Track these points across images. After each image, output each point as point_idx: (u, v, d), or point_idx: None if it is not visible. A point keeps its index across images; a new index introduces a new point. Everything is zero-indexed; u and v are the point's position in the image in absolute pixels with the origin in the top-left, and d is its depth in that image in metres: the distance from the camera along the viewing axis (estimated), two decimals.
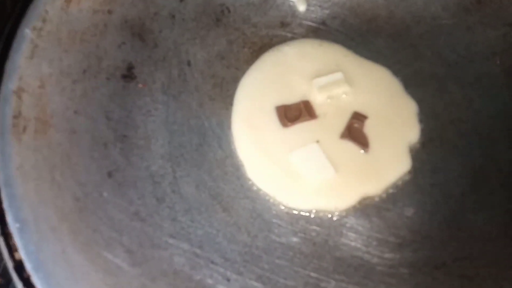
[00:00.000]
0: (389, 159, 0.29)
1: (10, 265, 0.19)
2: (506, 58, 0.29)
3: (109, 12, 0.29)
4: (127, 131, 0.28)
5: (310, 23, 0.33)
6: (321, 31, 0.33)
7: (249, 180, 0.29)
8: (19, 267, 0.18)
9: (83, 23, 0.27)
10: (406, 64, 0.31)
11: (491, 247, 0.25)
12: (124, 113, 0.28)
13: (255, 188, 0.28)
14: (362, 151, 0.29)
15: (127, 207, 0.24)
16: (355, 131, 0.29)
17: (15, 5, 0.26)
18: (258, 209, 0.28)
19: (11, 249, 0.19)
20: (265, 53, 0.32)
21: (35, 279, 0.19)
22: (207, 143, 0.30)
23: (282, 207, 0.28)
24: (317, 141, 0.29)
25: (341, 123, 0.30)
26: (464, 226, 0.26)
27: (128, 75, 0.29)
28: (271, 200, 0.28)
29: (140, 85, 0.29)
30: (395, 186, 0.28)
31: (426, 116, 0.30)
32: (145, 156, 0.27)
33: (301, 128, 0.30)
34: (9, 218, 0.20)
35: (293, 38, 0.33)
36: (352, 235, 0.27)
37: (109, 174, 0.25)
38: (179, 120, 0.30)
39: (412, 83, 0.31)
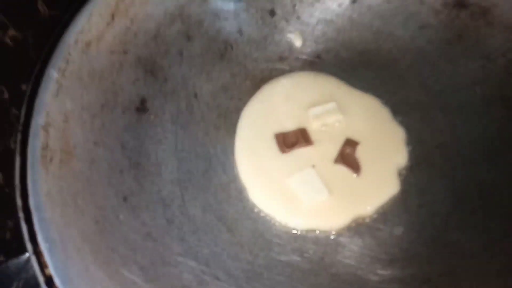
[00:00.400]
0: (379, 182, 0.31)
1: (41, 279, 0.21)
2: (485, 87, 0.32)
3: (124, 52, 0.32)
4: (140, 159, 0.30)
5: (306, 57, 0.36)
6: (316, 64, 0.36)
7: (251, 202, 0.31)
8: (49, 281, 0.21)
9: (101, 63, 0.30)
10: (394, 93, 0.34)
11: (473, 263, 0.27)
12: (138, 142, 0.31)
13: (256, 210, 0.31)
14: (354, 174, 0.31)
15: (140, 228, 0.27)
16: (347, 156, 0.32)
17: (39, 43, 0.29)
18: (260, 229, 0.30)
19: (42, 266, 0.21)
20: (265, 85, 0.35)
21: None
22: (213, 168, 0.32)
23: (282, 227, 0.30)
24: (313, 166, 0.32)
25: (335, 149, 0.32)
26: (448, 243, 0.28)
27: (141, 108, 0.32)
28: (272, 221, 0.31)
29: (152, 117, 0.32)
30: (385, 207, 0.30)
31: (413, 142, 0.32)
32: (156, 182, 0.30)
33: (298, 154, 0.32)
34: (40, 238, 0.22)
35: (291, 71, 0.36)
36: (346, 253, 0.29)
37: (125, 199, 0.28)
38: (187, 147, 0.32)
39: (400, 111, 0.33)
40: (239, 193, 0.31)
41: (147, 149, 0.31)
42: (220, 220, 0.30)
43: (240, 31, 0.36)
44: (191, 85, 0.34)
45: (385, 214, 0.30)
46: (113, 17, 0.32)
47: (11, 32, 0.40)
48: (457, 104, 0.32)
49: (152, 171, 0.30)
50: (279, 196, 0.31)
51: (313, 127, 0.33)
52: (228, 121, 0.34)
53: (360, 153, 0.32)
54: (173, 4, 0.34)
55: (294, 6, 0.36)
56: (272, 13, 0.36)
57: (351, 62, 0.35)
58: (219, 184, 0.32)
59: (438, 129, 0.32)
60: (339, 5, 0.36)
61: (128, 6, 0.32)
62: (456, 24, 0.33)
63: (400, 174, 0.31)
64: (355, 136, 0.32)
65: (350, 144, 0.32)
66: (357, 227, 0.30)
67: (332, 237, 0.30)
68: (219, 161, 0.33)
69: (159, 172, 0.31)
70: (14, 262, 0.29)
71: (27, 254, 0.27)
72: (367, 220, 0.30)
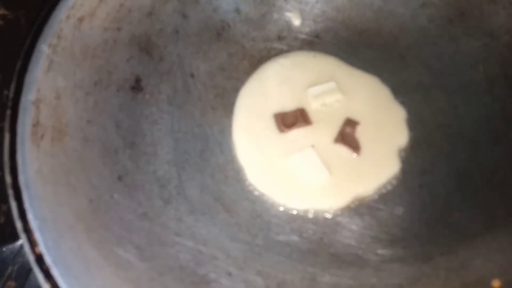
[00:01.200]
0: (380, 162, 0.31)
1: (31, 258, 0.20)
2: (488, 66, 0.31)
3: (118, 29, 0.31)
4: (136, 139, 0.30)
5: (305, 37, 0.36)
6: (315, 43, 0.35)
7: (249, 183, 0.31)
8: (40, 260, 0.20)
9: (94, 40, 0.29)
10: (395, 73, 0.33)
11: (475, 242, 0.26)
12: (133, 122, 0.30)
13: (254, 190, 0.30)
14: (354, 154, 0.31)
15: (136, 208, 0.26)
16: (347, 136, 0.31)
17: (30, 22, 0.28)
18: (258, 210, 0.30)
19: (32, 244, 0.20)
20: (263, 64, 0.34)
21: (54, 271, 0.20)
22: (210, 149, 0.32)
23: (281, 208, 0.30)
24: (313, 146, 0.31)
25: (335, 129, 0.32)
26: (450, 223, 0.28)
27: (136, 87, 0.32)
28: (270, 201, 0.30)
29: (147, 96, 0.32)
30: (385, 187, 0.30)
31: (414, 122, 0.31)
32: (152, 162, 0.29)
33: (298, 134, 0.32)
34: (30, 216, 0.22)
35: (289, 50, 0.35)
36: (346, 233, 0.29)
37: (119, 178, 0.27)
38: (184, 128, 0.32)
39: (401, 91, 0.32)
40: (237, 174, 0.31)
41: (143, 128, 0.30)
42: (218, 201, 0.29)
43: (237, 10, 0.35)
44: (188, 65, 0.34)
45: (385, 194, 0.30)
46: None
47: (2, 11, 0.38)
48: (459, 83, 0.32)
49: (148, 151, 0.30)
50: (278, 176, 0.31)
51: (313, 107, 0.32)
52: (225, 101, 0.33)
53: (360, 133, 0.31)
54: None
55: None
56: None
57: (351, 41, 0.35)
58: (216, 165, 0.31)
59: (440, 109, 0.32)
60: None
61: None
62: (458, 1, 0.32)
63: (400, 154, 0.31)
64: (355, 116, 0.32)
65: (350, 123, 0.31)
66: (357, 207, 0.29)
67: (331, 217, 0.29)
68: (217, 141, 0.32)
69: (155, 152, 0.30)
70: (9, 247, 0.28)
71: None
72: (367, 200, 0.30)
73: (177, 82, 0.33)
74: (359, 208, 0.29)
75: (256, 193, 0.30)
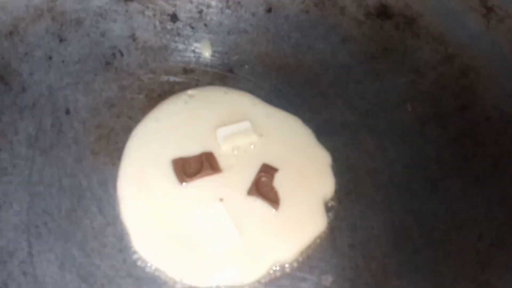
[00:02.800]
0: (303, 218, 0.25)
1: None
2: (417, 105, 0.28)
3: None
4: None
5: (216, 70, 0.31)
6: (228, 78, 0.30)
7: (135, 252, 0.23)
8: None
9: None
10: (317, 113, 0.29)
11: None
12: None
13: (141, 263, 0.23)
14: (272, 209, 0.25)
15: None
16: (263, 186, 0.25)
17: None
18: None
19: None
20: (163, 101, 0.28)
21: None
22: (83, 207, 0.24)
23: (177, 286, 0.22)
24: (221, 200, 0.25)
25: (248, 178, 0.26)
26: None
27: None
28: (163, 278, 0.23)
29: None
30: (310, 249, 0.24)
31: (340, 168, 0.27)
32: None
33: (202, 185, 0.25)
34: None
35: (197, 85, 0.30)
36: None
37: None
38: (47, 179, 0.24)
39: (324, 133, 0.28)
40: (118, 241, 0.23)
41: None
42: (86, 281, 0.21)
43: (133, 36, 0.29)
44: (62, 98, 0.27)
45: (310, 259, 0.24)
46: None
47: None
48: (387, 124, 0.28)
49: None
50: (174, 242, 0.24)
51: (222, 151, 0.26)
52: (111, 145, 0.26)
53: (279, 182, 0.26)
54: None
55: (200, 11, 0.30)
56: (174, 18, 0.30)
57: (268, 77, 0.30)
58: (90, 229, 0.23)
59: (368, 153, 0.28)
60: (253, 14, 0.31)
61: None
62: (380, 36, 0.30)
63: (327, 207, 0.25)
64: (273, 162, 0.26)
65: (267, 171, 0.26)
66: (276, 278, 0.23)
67: None
68: (94, 197, 0.25)
69: None
70: None
71: None
72: (288, 268, 0.23)
73: (44, 119, 0.26)
74: (278, 280, 0.23)
75: (143, 267, 0.23)
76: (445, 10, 0.28)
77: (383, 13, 0.29)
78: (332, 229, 0.25)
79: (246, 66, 0.31)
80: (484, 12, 0.26)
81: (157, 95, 0.29)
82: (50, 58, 0.27)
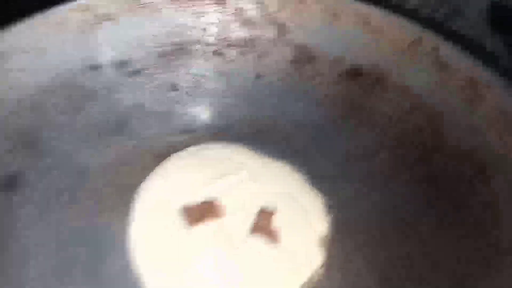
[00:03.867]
0: (301, 253, 0.27)
1: None
2: (387, 154, 0.31)
3: None
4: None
5: (213, 130, 0.34)
6: (224, 136, 0.33)
7: None
8: None
9: None
10: (303, 164, 0.31)
11: None
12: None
13: None
14: (272, 247, 0.27)
15: None
16: (262, 228, 0.28)
17: None
18: None
19: None
20: (168, 158, 0.32)
21: None
22: (98, 257, 0.26)
23: None
24: (225, 241, 0.27)
25: (249, 220, 0.28)
26: None
27: (9, 185, 0.26)
28: None
29: (23, 196, 0.26)
30: (309, 281, 0.26)
31: (332, 208, 0.29)
32: (16, 276, 0.23)
33: (208, 228, 0.28)
34: None
35: (197, 143, 0.33)
36: None
37: None
38: (68, 231, 0.26)
39: (313, 180, 0.31)
40: (133, 285, 0.25)
41: (12, 235, 0.24)
42: None
43: (139, 105, 0.33)
44: (79, 160, 0.30)
45: None
46: None
47: None
48: (362, 173, 0.31)
49: (16, 263, 0.23)
50: (184, 284, 0.25)
51: (224, 198, 0.29)
52: (123, 199, 0.29)
53: (277, 224, 0.28)
54: (59, 73, 0.31)
55: (198, 80, 0.35)
56: (174, 87, 0.35)
57: (261, 134, 0.34)
58: (106, 276, 0.25)
59: (347, 201, 0.29)
60: (245, 80, 0.35)
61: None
62: (351, 95, 0.33)
63: (322, 243, 0.28)
64: (269, 206, 0.29)
65: (265, 215, 0.28)
66: None
67: None
68: (108, 246, 0.27)
69: (22, 263, 0.23)
70: None
71: None
72: None
73: (65, 179, 0.28)
74: None
75: None
76: (407, 68, 0.33)
77: (355, 74, 0.34)
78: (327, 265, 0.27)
79: (240, 125, 0.34)
80: (438, 68, 0.31)
81: (162, 154, 0.32)
82: (68, 125, 0.31)
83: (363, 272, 0.26)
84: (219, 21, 0.36)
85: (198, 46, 0.35)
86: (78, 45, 0.32)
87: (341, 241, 0.28)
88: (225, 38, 0.36)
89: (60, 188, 0.28)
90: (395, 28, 0.33)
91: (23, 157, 0.28)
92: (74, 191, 0.28)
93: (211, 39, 0.36)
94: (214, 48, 0.35)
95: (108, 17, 0.33)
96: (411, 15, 0.33)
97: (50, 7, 0.31)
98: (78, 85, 0.31)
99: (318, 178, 0.31)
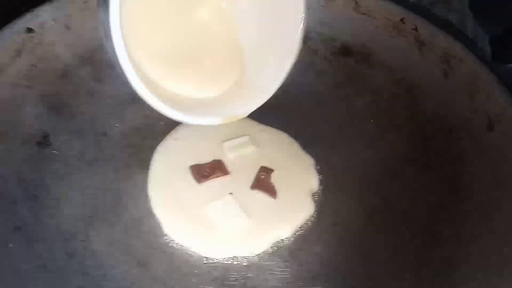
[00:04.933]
0: (295, 205, 0.31)
1: None
2: (377, 117, 0.36)
3: (29, 87, 0.31)
4: (38, 192, 0.28)
5: None
6: None
7: (166, 235, 0.29)
8: None
9: (1, 94, 0.29)
10: (301, 130, 0.35)
11: (391, 267, 0.27)
12: (37, 175, 0.28)
13: (172, 242, 0.29)
14: (271, 199, 0.32)
15: (34, 259, 0.23)
16: (263, 182, 0.32)
17: None
18: (175, 262, 0.28)
19: None
20: (179, 125, 0.36)
21: None
22: (123, 204, 0.30)
23: (200, 258, 0.28)
24: (230, 193, 0.31)
25: (251, 177, 0.32)
26: (365, 253, 0.29)
27: (43, 142, 0.30)
28: (189, 253, 0.29)
29: (55, 152, 0.30)
30: (302, 228, 0.30)
31: (322, 168, 0.34)
32: (56, 216, 0.27)
33: (215, 184, 0.32)
34: None
35: None
36: (268, 275, 0.28)
37: (17, 228, 0.24)
38: (94, 184, 0.30)
39: (308, 143, 0.35)
40: (153, 228, 0.29)
41: (47, 183, 0.29)
42: (130, 255, 0.27)
43: None
44: (101, 124, 0.34)
45: (302, 235, 0.30)
46: (19, 53, 0.31)
47: None
48: (356, 134, 0.35)
49: (52, 205, 0.28)
50: (196, 226, 0.30)
51: (229, 159, 0.33)
52: (140, 159, 0.33)
53: (275, 180, 0.32)
54: (83, 48, 0.35)
55: None
56: None
57: (262, 105, 0.38)
58: (129, 220, 0.29)
59: (342, 156, 0.34)
60: None
61: (36, 44, 0.32)
62: (345, 69, 0.38)
63: (313, 197, 0.32)
64: (269, 165, 0.33)
65: (265, 171, 0.33)
66: (278, 250, 0.29)
67: (253, 262, 0.28)
68: (131, 196, 0.31)
69: (59, 206, 0.28)
70: None
71: None
72: (287, 242, 0.30)
73: (89, 140, 0.32)
74: (280, 251, 0.29)
75: (173, 245, 0.29)
76: (391, 46, 0.37)
77: (345, 51, 0.38)
78: (318, 213, 0.31)
79: None
80: (418, 46, 0.35)
81: (173, 121, 0.36)
82: (91, 94, 0.35)
83: (352, 215, 0.31)
84: None
85: None
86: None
87: (331, 194, 0.32)
88: None
89: (84, 148, 0.32)
90: (382, 11, 0.37)
91: (53, 119, 0.32)
92: (97, 151, 0.32)
93: None
94: None
95: None
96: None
97: None
98: (102, 58, 0.35)
99: (313, 143, 0.35)
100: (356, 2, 0.37)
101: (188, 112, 0.29)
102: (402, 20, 0.36)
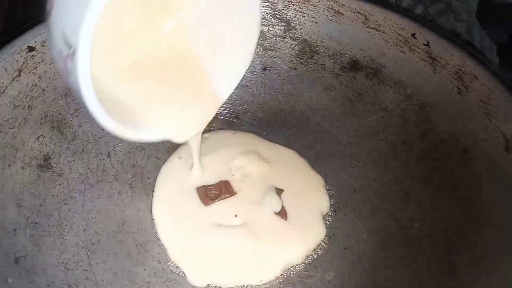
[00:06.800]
0: (306, 228, 0.30)
1: None
2: (388, 134, 0.35)
3: (29, 107, 0.30)
4: (39, 219, 0.27)
5: (224, 118, 0.37)
6: (235, 123, 0.37)
7: (171, 262, 0.28)
8: None
9: (1, 116, 0.28)
10: (309, 148, 0.35)
11: None
12: (38, 201, 0.27)
13: (177, 270, 0.28)
14: (281, 221, 0.30)
15: None
16: None
17: None
18: None
19: None
20: (183, 143, 0.35)
21: None
22: (127, 229, 0.29)
23: (207, 287, 0.27)
24: (235, 215, 0.30)
25: (257, 197, 0.31)
26: (379, 281, 0.28)
27: (44, 165, 0.29)
28: (194, 280, 0.27)
29: (56, 175, 0.29)
30: (314, 253, 0.29)
31: (332, 188, 0.33)
32: (57, 244, 0.26)
33: (222, 204, 0.31)
34: None
35: (210, 130, 0.36)
36: None
37: (16, 260, 0.23)
38: (96, 208, 0.29)
39: (317, 161, 0.34)
40: (158, 253, 0.28)
41: (48, 208, 0.28)
42: (135, 283, 0.26)
43: None
44: (104, 144, 0.33)
45: (314, 260, 0.29)
46: (19, 72, 0.30)
47: None
48: (366, 151, 0.34)
49: (53, 232, 0.27)
50: (203, 253, 0.29)
51: (235, 179, 0.32)
52: (144, 180, 0.32)
53: (285, 200, 0.31)
54: None
55: None
56: None
57: (268, 121, 0.37)
58: (134, 246, 0.28)
59: (353, 175, 0.34)
60: (252, 73, 0.38)
61: (37, 63, 0.31)
62: (354, 84, 0.37)
63: (325, 219, 0.31)
64: (277, 185, 0.32)
65: (276, 191, 0.32)
66: (288, 277, 0.28)
67: None
68: (135, 220, 0.30)
69: (61, 233, 0.27)
70: None
71: None
72: (298, 268, 0.29)
73: (91, 160, 0.31)
74: (290, 278, 0.28)
75: (179, 272, 0.28)
76: (402, 61, 0.36)
77: (354, 66, 0.37)
78: (330, 236, 0.30)
79: (249, 113, 0.38)
80: (430, 61, 0.34)
81: None
82: None
83: (364, 239, 0.30)
84: None
85: None
86: None
87: (342, 215, 0.31)
88: None
89: (87, 170, 0.31)
90: (392, 26, 0.36)
91: (55, 140, 0.31)
92: (100, 172, 0.31)
93: None
94: None
95: None
96: (407, 12, 0.36)
97: None
98: None
99: (321, 160, 0.34)
100: (366, 16, 0.36)
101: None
102: (413, 35, 0.34)
